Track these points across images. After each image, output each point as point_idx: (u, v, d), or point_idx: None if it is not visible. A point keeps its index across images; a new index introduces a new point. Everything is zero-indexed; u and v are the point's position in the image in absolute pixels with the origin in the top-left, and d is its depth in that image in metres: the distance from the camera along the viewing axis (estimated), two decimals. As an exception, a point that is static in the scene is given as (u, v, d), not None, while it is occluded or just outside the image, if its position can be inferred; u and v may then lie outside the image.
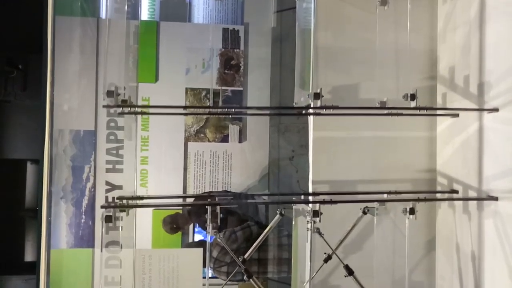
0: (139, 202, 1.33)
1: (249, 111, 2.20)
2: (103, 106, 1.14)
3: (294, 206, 0.97)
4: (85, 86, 2.34)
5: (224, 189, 2.38)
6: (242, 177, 2.44)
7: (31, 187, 2.62)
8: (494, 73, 1.10)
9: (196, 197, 2.36)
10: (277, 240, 2.15)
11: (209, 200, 0.97)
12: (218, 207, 0.95)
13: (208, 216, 0.95)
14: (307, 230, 0.92)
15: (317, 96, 0.97)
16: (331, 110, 0.98)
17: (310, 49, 1.32)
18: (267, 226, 2.26)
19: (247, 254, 1.09)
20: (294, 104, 1.36)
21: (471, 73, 1.14)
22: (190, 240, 2.39)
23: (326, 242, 0.95)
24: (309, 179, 1.23)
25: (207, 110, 1.90)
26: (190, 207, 2.37)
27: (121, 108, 1.13)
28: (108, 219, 0.90)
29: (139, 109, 1.27)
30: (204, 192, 2.38)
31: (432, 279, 1.29)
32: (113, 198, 2.04)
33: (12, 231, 2.60)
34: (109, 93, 1.10)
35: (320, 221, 0.91)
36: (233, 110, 1.24)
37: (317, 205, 0.91)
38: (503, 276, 1.02)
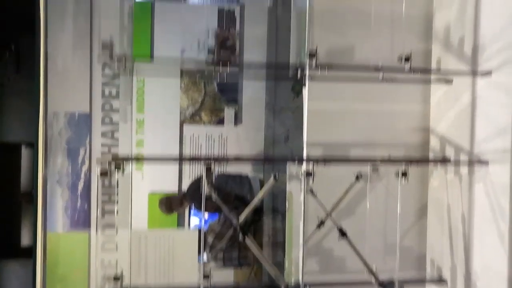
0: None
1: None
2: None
3: (288, 171, 0.96)
4: (79, 67, 2.32)
5: (219, 173, 2.37)
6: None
7: (26, 171, 2.61)
8: (488, 36, 1.09)
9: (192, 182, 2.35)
10: (271, 224, 2.15)
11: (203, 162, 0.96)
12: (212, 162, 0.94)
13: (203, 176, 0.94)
14: (300, 191, 0.92)
15: (312, 56, 0.96)
16: (326, 70, 0.97)
17: (305, 17, 1.30)
18: (263, 209, 2.27)
19: (241, 217, 1.09)
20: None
21: (466, 36, 1.13)
22: (186, 223, 2.38)
23: (320, 203, 0.94)
24: (304, 141, 1.22)
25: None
26: (183, 190, 2.36)
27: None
28: (103, 172, 0.88)
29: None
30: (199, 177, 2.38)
31: (423, 244, 1.31)
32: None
33: (8, 216, 2.59)
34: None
35: (313, 181, 0.91)
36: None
37: (311, 165, 0.91)
38: (493, 237, 1.02)
